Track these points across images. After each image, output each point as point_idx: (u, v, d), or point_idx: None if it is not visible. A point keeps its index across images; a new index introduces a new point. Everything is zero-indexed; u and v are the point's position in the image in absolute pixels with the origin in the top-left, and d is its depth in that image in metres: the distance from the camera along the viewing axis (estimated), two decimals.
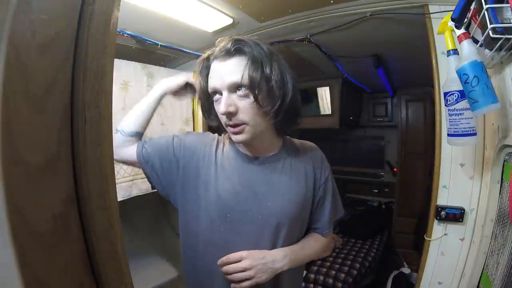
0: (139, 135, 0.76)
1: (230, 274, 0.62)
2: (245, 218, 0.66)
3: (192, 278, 0.74)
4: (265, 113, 0.63)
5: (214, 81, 0.62)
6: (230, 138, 0.71)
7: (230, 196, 0.67)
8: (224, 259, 0.63)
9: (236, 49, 0.60)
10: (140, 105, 0.77)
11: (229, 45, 0.60)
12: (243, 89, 0.60)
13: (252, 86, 0.59)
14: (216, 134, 0.78)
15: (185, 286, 0.77)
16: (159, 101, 0.78)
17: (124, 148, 0.73)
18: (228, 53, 0.60)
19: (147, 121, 0.77)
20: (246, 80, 0.59)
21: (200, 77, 0.67)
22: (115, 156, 0.73)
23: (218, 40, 0.64)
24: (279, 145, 0.74)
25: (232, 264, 0.62)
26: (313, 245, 0.76)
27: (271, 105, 0.62)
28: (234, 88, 0.61)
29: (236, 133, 0.63)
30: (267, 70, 0.60)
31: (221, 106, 0.61)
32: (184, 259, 0.75)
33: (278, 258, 0.65)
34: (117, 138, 0.73)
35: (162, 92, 0.77)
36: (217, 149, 0.73)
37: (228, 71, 0.60)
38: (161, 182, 0.73)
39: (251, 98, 0.60)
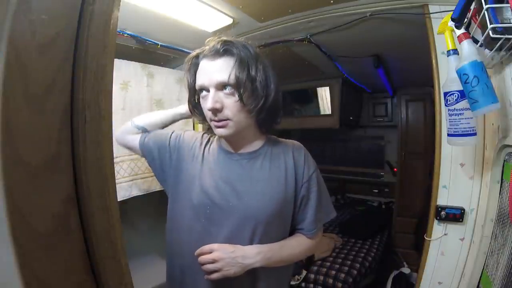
0: (144, 130, 0.84)
1: (203, 264, 0.65)
2: (223, 212, 0.69)
3: (175, 263, 0.76)
4: (249, 111, 0.67)
5: (202, 79, 0.66)
6: (217, 136, 0.78)
7: (211, 190, 0.70)
8: (199, 250, 0.66)
9: (225, 50, 0.64)
10: (161, 112, 0.88)
11: (218, 46, 0.65)
12: (229, 87, 0.64)
13: (238, 86, 0.63)
14: (209, 134, 0.82)
15: (166, 270, 0.80)
16: (176, 118, 0.88)
17: (128, 135, 0.83)
18: (217, 53, 0.65)
19: (158, 126, 0.86)
20: (232, 80, 0.63)
21: (189, 74, 0.71)
22: (119, 140, 0.85)
23: (207, 40, 0.68)
24: (261, 143, 0.76)
25: (204, 255, 0.65)
26: (295, 246, 0.75)
27: (254, 104, 0.66)
28: (221, 86, 0.65)
29: (219, 127, 0.67)
30: (253, 72, 0.65)
31: (208, 102, 0.65)
32: (168, 245, 0.79)
33: (250, 254, 0.66)
34: (127, 125, 0.84)
35: (183, 112, 0.86)
36: (205, 146, 0.78)
37: (216, 70, 0.64)
38: (158, 171, 0.81)
39: (236, 96, 0.64)
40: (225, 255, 0.64)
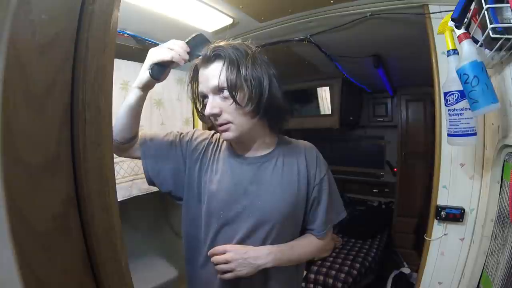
0: (133, 138, 0.74)
1: (216, 265, 0.67)
2: (237, 216, 0.70)
3: (192, 263, 0.78)
4: (247, 112, 0.66)
5: (201, 87, 0.68)
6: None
7: (224, 194, 0.70)
8: (212, 250, 0.68)
9: (215, 55, 0.65)
10: (121, 114, 0.70)
11: (208, 53, 0.65)
12: (224, 91, 0.64)
13: (229, 87, 0.63)
14: (218, 134, 0.80)
15: (185, 269, 0.81)
16: (140, 104, 0.70)
17: (127, 151, 0.76)
18: (209, 60, 0.66)
19: (135, 124, 0.73)
20: (223, 82, 0.63)
21: (190, 85, 0.72)
22: (124, 156, 0.77)
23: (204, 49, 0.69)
24: (272, 145, 0.76)
25: (217, 256, 0.67)
26: (305, 245, 0.76)
27: (250, 103, 0.65)
28: (217, 90, 0.65)
29: (223, 131, 0.68)
30: (243, 71, 0.64)
31: (206, 108, 0.66)
32: (185, 247, 0.79)
33: (261, 255, 0.67)
34: (114, 145, 0.70)
35: (137, 94, 0.69)
36: (215, 149, 0.77)
37: (209, 76, 0.65)
38: (168, 185, 0.76)
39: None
40: (238, 256, 0.66)
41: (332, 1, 1.13)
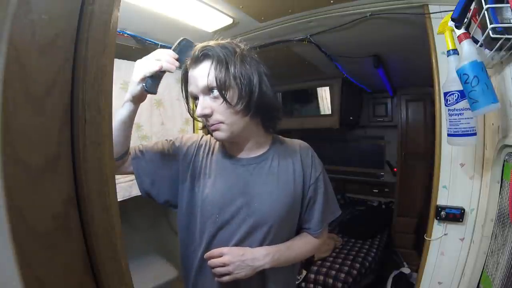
0: (126, 153, 0.72)
1: (213, 268, 0.66)
2: (233, 218, 0.69)
3: (188, 269, 0.76)
4: (238, 111, 0.65)
5: (191, 88, 0.68)
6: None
7: (218, 198, 0.69)
8: (208, 253, 0.67)
9: (203, 55, 0.64)
10: (114, 129, 0.64)
11: (197, 52, 0.65)
12: (214, 90, 0.63)
13: (219, 86, 0.62)
14: (208, 136, 0.80)
15: (183, 280, 0.79)
16: (132, 117, 0.69)
17: (119, 168, 0.72)
18: (197, 60, 0.65)
19: (129, 138, 0.71)
20: (212, 81, 0.63)
21: (182, 88, 0.72)
22: (117, 173, 0.74)
23: (193, 50, 0.67)
24: (267, 144, 0.75)
25: (214, 259, 0.66)
26: (302, 245, 0.76)
27: (240, 102, 0.64)
28: (207, 90, 0.64)
29: (214, 131, 0.67)
30: (232, 69, 0.63)
31: (197, 110, 0.65)
32: (181, 256, 0.78)
33: (259, 256, 0.67)
34: None
35: (130, 108, 0.67)
36: (207, 152, 0.76)
37: (198, 76, 0.64)
38: (165, 194, 0.76)
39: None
40: (235, 258, 0.65)
41: (332, 1, 1.13)
